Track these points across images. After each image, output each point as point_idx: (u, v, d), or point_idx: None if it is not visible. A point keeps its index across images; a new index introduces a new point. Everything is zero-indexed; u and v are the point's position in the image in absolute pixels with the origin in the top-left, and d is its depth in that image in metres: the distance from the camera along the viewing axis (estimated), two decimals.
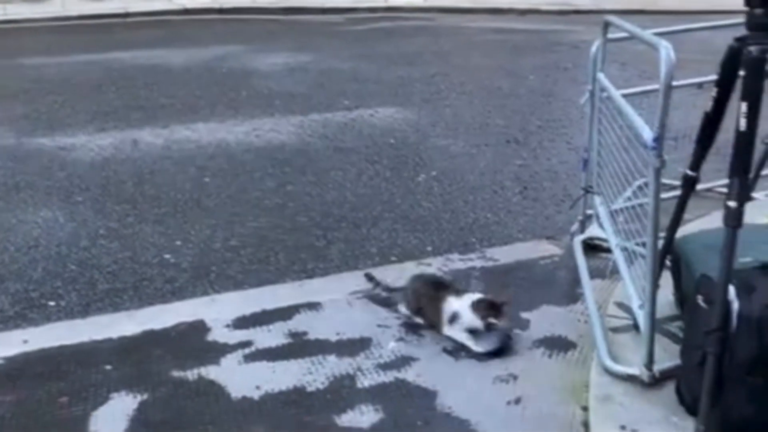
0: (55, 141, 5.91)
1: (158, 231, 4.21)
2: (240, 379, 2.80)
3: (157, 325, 3.20)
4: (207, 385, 2.77)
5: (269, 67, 8.70)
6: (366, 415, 2.57)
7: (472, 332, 2.92)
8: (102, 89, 7.66)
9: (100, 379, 2.81)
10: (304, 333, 3.13)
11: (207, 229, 4.25)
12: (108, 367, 2.90)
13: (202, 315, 3.27)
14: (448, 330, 2.99)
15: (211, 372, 2.85)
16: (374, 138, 5.91)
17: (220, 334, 3.13)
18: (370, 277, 3.45)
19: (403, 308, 3.19)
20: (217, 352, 2.99)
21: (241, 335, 3.12)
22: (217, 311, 3.32)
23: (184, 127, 6.24)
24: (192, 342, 3.08)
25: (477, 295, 2.99)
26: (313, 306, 3.35)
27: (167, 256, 3.91)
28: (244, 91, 7.50)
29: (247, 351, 3.00)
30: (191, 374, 2.84)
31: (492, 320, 2.85)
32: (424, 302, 3.10)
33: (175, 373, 2.85)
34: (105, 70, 8.57)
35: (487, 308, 2.89)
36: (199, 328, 3.18)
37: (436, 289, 3.12)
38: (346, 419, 2.55)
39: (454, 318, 2.97)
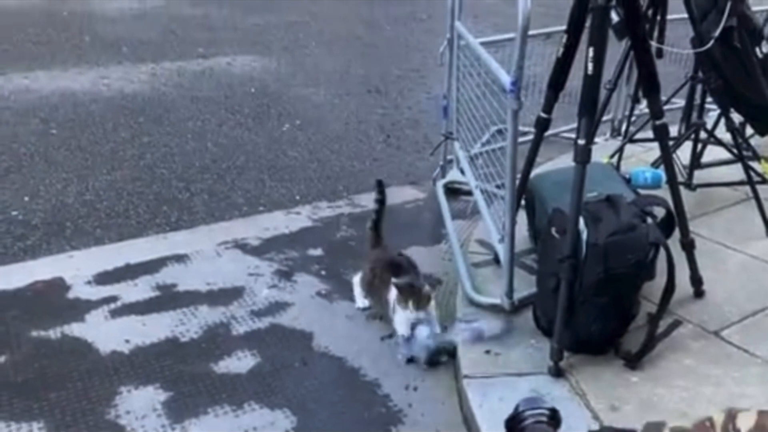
0: None
1: (1, 187, 3.88)
2: (107, 334, 2.70)
3: (9, 285, 2.99)
4: (72, 342, 2.65)
5: (115, 11, 8.11)
6: (243, 360, 2.58)
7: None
8: None
9: None
10: (173, 285, 3.06)
11: (57, 183, 3.98)
12: None
13: (60, 272, 3.10)
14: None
15: (75, 329, 2.73)
16: (233, 87, 5.75)
17: (81, 290, 2.99)
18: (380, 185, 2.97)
19: (357, 287, 2.86)
20: (79, 309, 2.86)
21: (104, 291, 2.99)
22: (76, 268, 3.15)
23: (21, 75, 5.72)
24: (51, 300, 2.92)
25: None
26: (180, 258, 3.27)
27: (14, 212, 3.63)
28: (88, 37, 6.98)
29: (112, 306, 2.89)
30: (53, 333, 2.70)
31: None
32: (376, 285, 2.75)
33: (35, 333, 2.69)
34: None
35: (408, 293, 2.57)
36: (57, 285, 3.01)
37: (390, 272, 2.68)
38: (223, 366, 2.55)
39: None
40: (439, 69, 3.85)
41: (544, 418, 1.30)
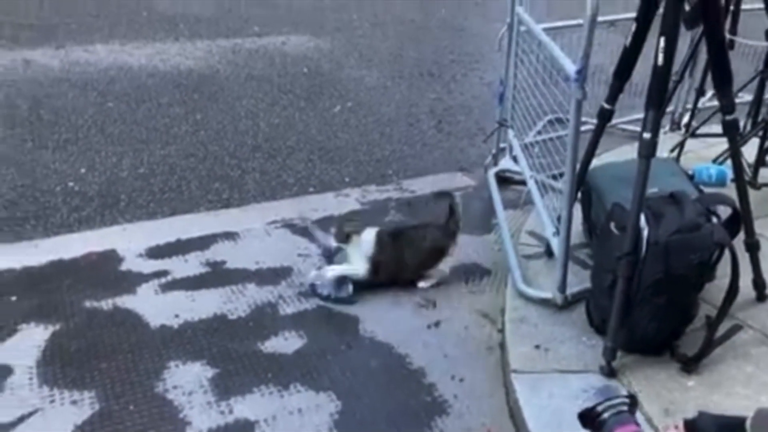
0: None
1: (60, 158, 3.97)
2: (157, 308, 2.74)
3: (65, 254, 3.06)
4: (123, 314, 2.70)
5: None
6: (290, 340, 2.59)
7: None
8: None
9: (6, 310, 2.69)
10: (223, 262, 3.08)
11: (113, 156, 4.04)
12: (13, 298, 2.77)
13: (114, 244, 3.16)
14: None
15: (126, 301, 2.77)
16: (286, 66, 5.75)
17: (133, 263, 3.04)
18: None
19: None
20: (131, 281, 2.90)
21: (156, 265, 3.04)
22: (129, 240, 3.21)
23: (81, 48, 5.83)
24: (104, 271, 2.97)
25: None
26: (230, 235, 3.29)
27: (71, 184, 3.71)
28: (145, 12, 7.06)
29: (163, 280, 2.93)
30: (105, 304, 2.75)
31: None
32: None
33: (88, 303, 2.75)
34: None
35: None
36: (110, 257, 3.07)
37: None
38: (270, 345, 2.56)
39: None
40: (494, 55, 3.76)
41: (625, 408, 1.23)
